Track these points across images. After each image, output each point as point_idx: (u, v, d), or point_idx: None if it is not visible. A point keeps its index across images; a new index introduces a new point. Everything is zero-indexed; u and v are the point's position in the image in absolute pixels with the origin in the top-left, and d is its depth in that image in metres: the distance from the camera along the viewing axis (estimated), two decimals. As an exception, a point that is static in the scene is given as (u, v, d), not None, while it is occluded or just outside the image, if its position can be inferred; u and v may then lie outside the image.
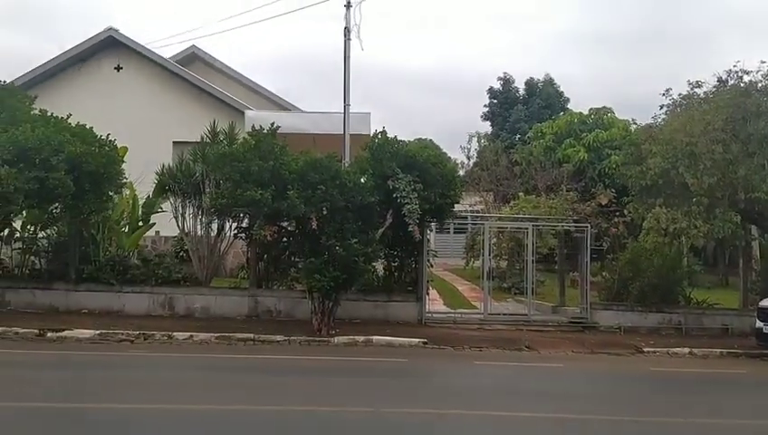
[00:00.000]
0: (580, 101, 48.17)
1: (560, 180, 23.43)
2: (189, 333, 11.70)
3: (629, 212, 15.97)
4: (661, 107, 15.78)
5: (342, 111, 17.73)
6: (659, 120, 15.96)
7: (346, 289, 12.59)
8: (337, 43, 19.02)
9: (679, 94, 15.28)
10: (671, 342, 13.21)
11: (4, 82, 13.00)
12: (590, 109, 28.79)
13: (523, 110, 38.03)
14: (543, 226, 16.04)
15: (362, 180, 12.86)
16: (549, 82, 39.36)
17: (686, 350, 12.50)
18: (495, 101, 40.16)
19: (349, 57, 17.80)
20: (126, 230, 15.41)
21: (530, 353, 11.80)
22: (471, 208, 22.92)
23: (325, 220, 12.13)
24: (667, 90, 15.40)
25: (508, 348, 12.02)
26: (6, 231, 13.66)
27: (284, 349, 11.31)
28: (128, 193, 15.20)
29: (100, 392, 7.82)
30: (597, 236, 16.03)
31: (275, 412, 7.12)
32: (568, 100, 39.35)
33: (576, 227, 15.26)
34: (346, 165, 14.27)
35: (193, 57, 23.71)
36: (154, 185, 14.92)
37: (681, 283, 15.37)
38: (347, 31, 17.77)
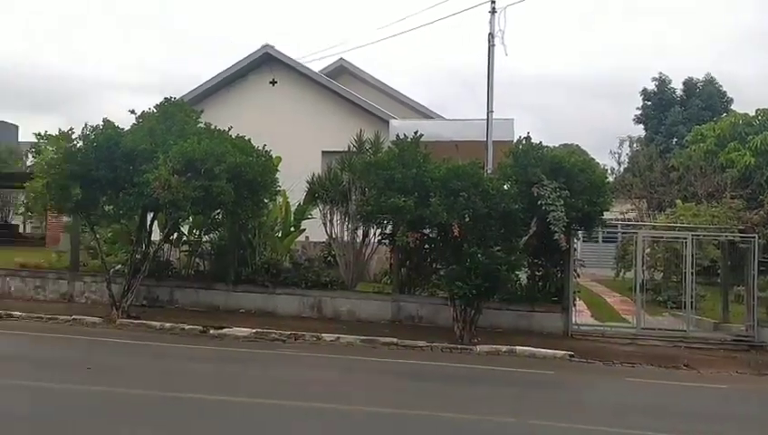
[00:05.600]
0: (746, 102, 44.40)
1: (722, 187, 21.70)
2: (336, 335, 12.12)
3: (805, 222, 14.47)
4: None
5: (485, 117, 17.61)
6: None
7: (488, 297, 12.45)
8: (481, 50, 18.95)
9: None
10: None
11: (174, 98, 14.06)
12: (757, 110, 26.33)
13: (680, 111, 35.75)
14: (704, 235, 14.91)
15: (505, 187, 12.63)
16: (710, 81, 36.69)
17: None
18: (650, 103, 38.06)
19: (493, 63, 17.63)
20: (279, 235, 16.27)
21: (688, 372, 10.98)
22: (622, 216, 21.82)
23: (467, 227, 12.07)
24: None
25: (664, 366, 11.26)
26: (175, 235, 14.93)
27: (426, 355, 11.37)
28: (281, 200, 15.99)
29: (256, 389, 8.31)
30: (766, 248, 14.63)
31: (419, 417, 7.20)
32: (731, 100, 36.46)
33: (742, 237, 14.00)
34: (489, 172, 14.13)
35: (341, 69, 24.64)
36: (305, 192, 15.64)
37: None
38: (491, 37, 17.61)
